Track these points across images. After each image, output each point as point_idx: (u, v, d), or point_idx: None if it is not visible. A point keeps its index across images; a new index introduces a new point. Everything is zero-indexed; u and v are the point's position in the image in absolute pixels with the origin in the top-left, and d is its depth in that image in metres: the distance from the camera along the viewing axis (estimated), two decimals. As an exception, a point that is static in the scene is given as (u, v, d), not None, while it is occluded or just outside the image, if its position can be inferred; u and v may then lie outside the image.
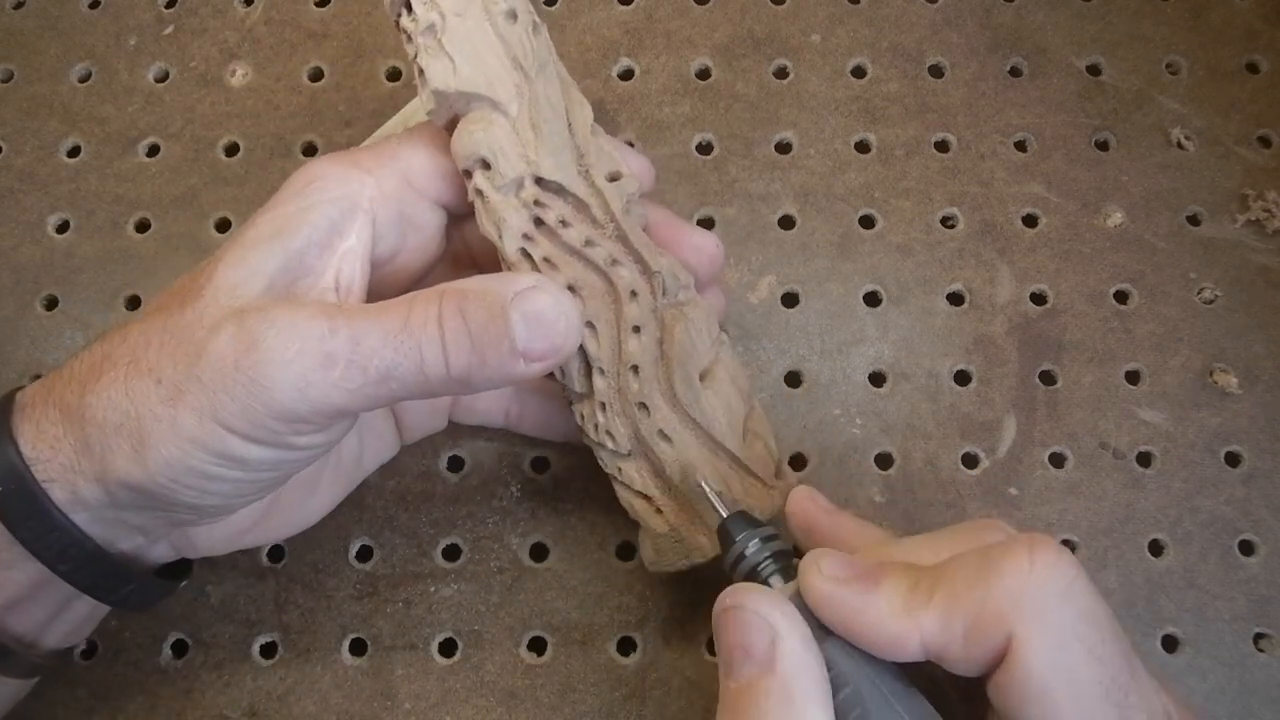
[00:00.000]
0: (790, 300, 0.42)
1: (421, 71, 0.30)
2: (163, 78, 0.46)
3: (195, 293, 0.29)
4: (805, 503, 0.32)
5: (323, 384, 0.27)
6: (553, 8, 0.47)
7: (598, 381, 0.32)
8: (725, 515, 0.30)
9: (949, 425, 0.40)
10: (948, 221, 0.43)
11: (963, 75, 0.45)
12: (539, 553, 0.39)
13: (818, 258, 0.43)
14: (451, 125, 0.32)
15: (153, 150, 0.45)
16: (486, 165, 0.31)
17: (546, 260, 0.31)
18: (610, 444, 0.33)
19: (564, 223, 0.31)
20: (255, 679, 0.37)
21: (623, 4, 0.47)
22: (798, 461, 0.40)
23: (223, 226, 0.44)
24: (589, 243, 0.32)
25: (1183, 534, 0.39)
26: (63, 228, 0.44)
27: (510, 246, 0.31)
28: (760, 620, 0.26)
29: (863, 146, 0.44)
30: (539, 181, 0.31)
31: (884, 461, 0.40)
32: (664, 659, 0.37)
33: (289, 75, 0.46)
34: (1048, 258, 0.42)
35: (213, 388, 0.27)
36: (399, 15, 0.31)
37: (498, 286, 0.29)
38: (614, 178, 0.32)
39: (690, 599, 0.38)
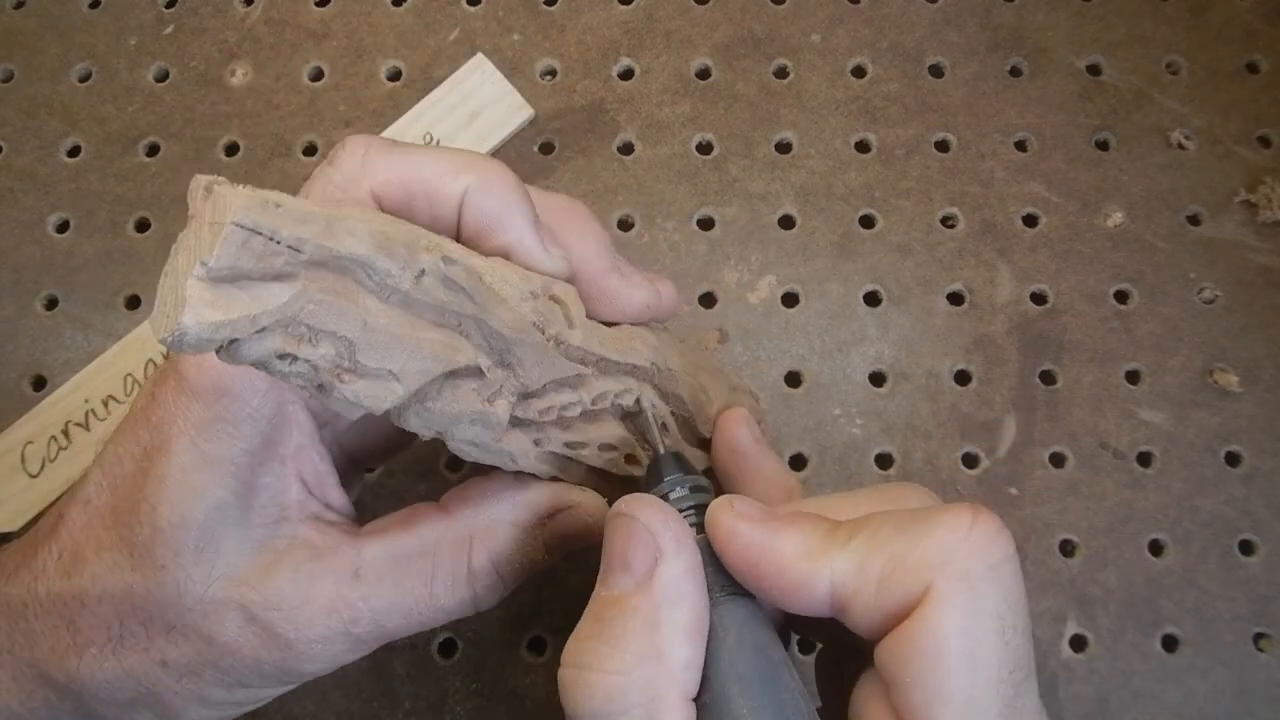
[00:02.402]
0: (790, 300, 0.42)
1: (349, 401, 0.23)
2: (163, 77, 0.46)
3: (144, 551, 0.25)
4: (740, 426, 0.30)
5: (348, 658, 0.27)
6: (553, 7, 0.47)
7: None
8: (661, 451, 0.29)
9: (949, 425, 0.40)
10: (948, 221, 0.43)
11: (963, 75, 0.45)
12: (539, 553, 0.39)
13: (818, 258, 0.43)
14: None
15: (153, 150, 0.45)
16: (477, 423, 0.26)
17: (568, 445, 0.29)
18: None
19: (565, 408, 0.28)
20: (255, 679, 0.37)
21: (623, 4, 0.47)
22: (797, 461, 0.40)
23: (223, 226, 0.44)
24: (595, 400, 0.29)
25: (1183, 534, 0.39)
26: (63, 227, 0.44)
27: (527, 466, 0.28)
28: (647, 535, 0.24)
29: (863, 146, 0.44)
30: (527, 394, 0.27)
31: (884, 461, 0.40)
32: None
33: (289, 75, 0.46)
34: (1048, 258, 0.42)
35: (235, 671, 0.26)
36: (266, 366, 0.22)
37: (529, 517, 0.28)
38: (564, 310, 0.27)
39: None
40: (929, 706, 0.22)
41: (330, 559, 0.26)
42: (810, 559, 0.24)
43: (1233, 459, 0.40)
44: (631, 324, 0.30)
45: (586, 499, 0.29)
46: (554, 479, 0.29)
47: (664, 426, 0.30)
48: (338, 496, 0.28)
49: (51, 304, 0.43)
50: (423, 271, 0.23)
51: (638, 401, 0.30)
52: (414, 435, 0.28)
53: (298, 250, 0.21)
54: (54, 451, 0.39)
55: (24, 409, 0.40)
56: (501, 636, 0.38)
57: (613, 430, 0.29)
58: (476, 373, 0.25)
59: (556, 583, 0.38)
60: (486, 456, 0.27)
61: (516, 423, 0.27)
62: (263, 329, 0.21)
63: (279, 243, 0.20)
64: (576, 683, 0.23)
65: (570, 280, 0.28)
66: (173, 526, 0.25)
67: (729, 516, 0.25)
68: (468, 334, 0.25)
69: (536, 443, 0.28)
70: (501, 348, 0.25)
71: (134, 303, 0.43)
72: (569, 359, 0.27)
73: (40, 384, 0.42)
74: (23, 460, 0.39)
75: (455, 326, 0.25)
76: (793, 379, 0.41)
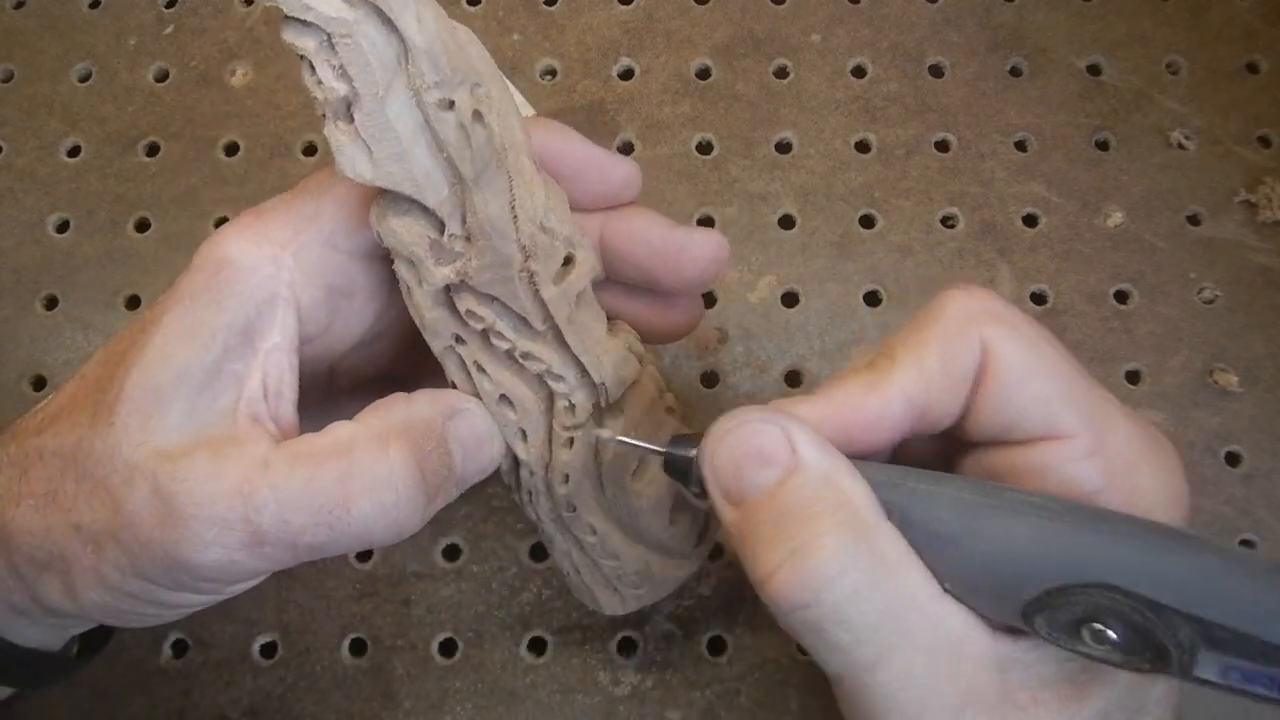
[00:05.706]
0: (790, 300, 0.42)
1: (331, 145, 0.24)
2: (163, 77, 0.46)
3: (106, 410, 0.25)
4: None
5: (247, 561, 0.25)
6: (553, 7, 0.47)
7: (526, 479, 0.30)
8: (664, 449, 0.28)
9: (949, 425, 0.40)
10: (948, 221, 0.43)
11: (963, 75, 0.45)
12: (539, 553, 0.39)
13: (818, 258, 0.43)
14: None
15: (153, 150, 0.45)
16: (412, 263, 0.26)
17: (477, 365, 0.28)
18: (537, 522, 0.32)
19: (498, 334, 0.27)
20: (255, 679, 0.37)
21: (623, 4, 0.47)
22: (798, 461, 0.40)
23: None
24: (526, 355, 0.28)
25: (1183, 534, 0.39)
26: (63, 227, 0.44)
27: (436, 346, 0.28)
28: (769, 426, 0.24)
29: (863, 146, 0.44)
30: (471, 288, 0.27)
31: (884, 461, 0.40)
32: (664, 659, 0.37)
33: (289, 75, 0.46)
34: (1048, 258, 0.42)
35: (132, 550, 0.25)
36: (300, 59, 0.24)
37: (435, 415, 0.27)
38: (564, 270, 0.27)
39: (689, 600, 0.38)
40: (1050, 420, 0.25)
41: (247, 447, 0.25)
42: (877, 389, 0.25)
43: (1233, 459, 0.40)
44: (647, 378, 0.30)
45: (481, 409, 0.28)
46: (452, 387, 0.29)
47: (642, 440, 0.29)
48: (289, 414, 0.27)
49: (51, 304, 0.43)
50: (451, 104, 0.24)
51: (622, 438, 0.29)
52: None
53: None
54: (54, 451, 0.39)
55: (24, 409, 0.40)
56: (501, 636, 0.38)
57: (522, 395, 0.28)
58: (438, 226, 0.26)
59: (556, 583, 0.38)
60: (411, 307, 0.27)
61: (451, 309, 0.27)
62: (308, 23, 0.22)
63: None
64: (797, 570, 0.23)
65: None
66: (135, 386, 0.25)
67: (790, 405, 0.26)
68: (455, 198, 0.25)
69: (456, 338, 0.28)
70: (473, 229, 0.26)
71: (134, 303, 0.43)
72: (527, 301, 0.27)
73: (40, 384, 0.42)
74: (23, 460, 0.39)
75: (451, 176, 0.25)
76: (793, 379, 0.41)
